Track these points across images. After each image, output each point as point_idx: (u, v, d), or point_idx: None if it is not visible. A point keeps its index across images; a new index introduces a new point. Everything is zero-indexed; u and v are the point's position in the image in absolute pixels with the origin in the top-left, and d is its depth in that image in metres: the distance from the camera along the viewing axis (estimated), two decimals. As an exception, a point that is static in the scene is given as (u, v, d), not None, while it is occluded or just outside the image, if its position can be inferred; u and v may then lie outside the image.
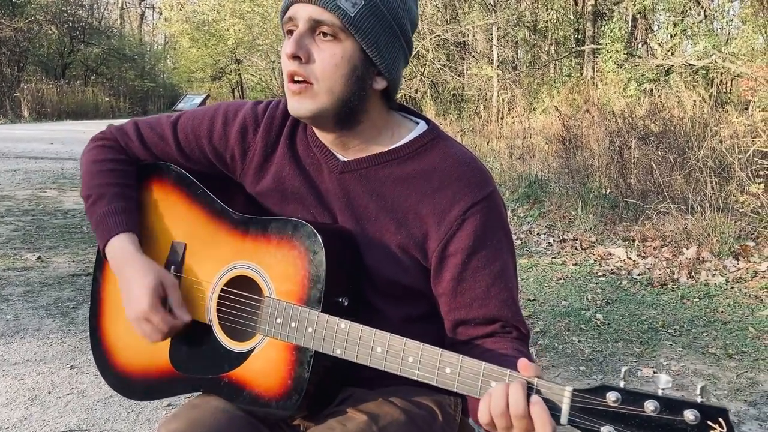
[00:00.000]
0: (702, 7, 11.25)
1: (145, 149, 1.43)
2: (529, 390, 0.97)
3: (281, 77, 1.26)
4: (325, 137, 1.29)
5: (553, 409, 0.95)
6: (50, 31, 25.98)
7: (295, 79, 1.18)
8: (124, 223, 1.33)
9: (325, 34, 1.16)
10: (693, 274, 4.60)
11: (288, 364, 1.18)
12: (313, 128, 1.31)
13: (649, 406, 0.89)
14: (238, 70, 26.86)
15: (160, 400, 2.69)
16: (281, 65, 1.23)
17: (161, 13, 30.33)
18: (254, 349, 1.23)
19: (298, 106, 1.19)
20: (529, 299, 4.21)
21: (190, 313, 1.29)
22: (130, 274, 1.29)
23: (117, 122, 1.51)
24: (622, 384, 0.93)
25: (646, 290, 4.42)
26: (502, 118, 12.58)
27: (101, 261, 1.46)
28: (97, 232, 1.35)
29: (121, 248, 1.32)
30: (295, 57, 1.16)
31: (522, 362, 0.99)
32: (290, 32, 1.19)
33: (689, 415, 0.87)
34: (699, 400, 0.88)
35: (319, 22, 1.15)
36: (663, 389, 0.90)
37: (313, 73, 1.16)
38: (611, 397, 0.91)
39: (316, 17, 1.15)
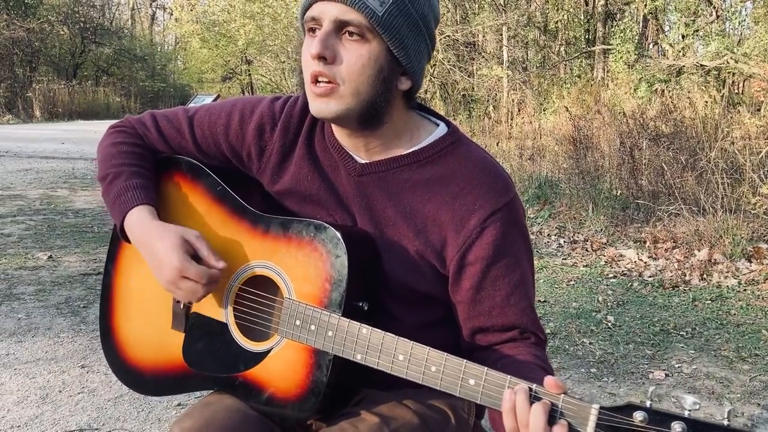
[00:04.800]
0: (714, 8, 11.18)
1: (163, 141, 1.41)
2: (555, 412, 0.96)
3: (299, 76, 1.23)
4: (345, 138, 1.27)
5: (579, 426, 0.95)
6: (62, 32, 26.18)
7: (320, 80, 1.14)
8: (142, 197, 1.30)
9: (351, 34, 1.12)
10: (705, 276, 4.56)
11: (306, 366, 1.17)
12: (333, 128, 1.28)
13: (677, 427, 0.88)
14: (249, 70, 26.94)
15: (171, 400, 2.69)
16: (302, 65, 1.19)
17: (172, 14, 30.46)
18: (271, 349, 1.21)
19: (323, 107, 1.16)
20: (539, 301, 4.19)
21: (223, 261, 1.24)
22: (152, 241, 1.24)
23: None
24: (648, 404, 0.91)
25: (658, 292, 4.39)
26: (511, 119, 12.54)
27: (114, 253, 1.44)
28: (114, 209, 1.32)
29: (139, 220, 1.28)
30: (320, 58, 1.12)
31: (549, 380, 0.98)
32: (311, 31, 1.16)
33: None
34: (726, 423, 0.87)
35: (345, 22, 1.11)
36: (689, 411, 0.89)
37: (340, 74, 1.13)
38: (638, 416, 0.90)
39: (342, 17, 1.11)
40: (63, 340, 3.32)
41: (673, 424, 0.88)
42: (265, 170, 1.36)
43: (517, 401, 0.98)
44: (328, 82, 1.14)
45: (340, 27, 1.12)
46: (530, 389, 0.98)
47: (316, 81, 1.15)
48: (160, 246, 1.22)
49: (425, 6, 1.17)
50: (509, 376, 1.01)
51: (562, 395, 0.97)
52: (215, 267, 1.22)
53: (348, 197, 1.28)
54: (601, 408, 0.93)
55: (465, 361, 1.04)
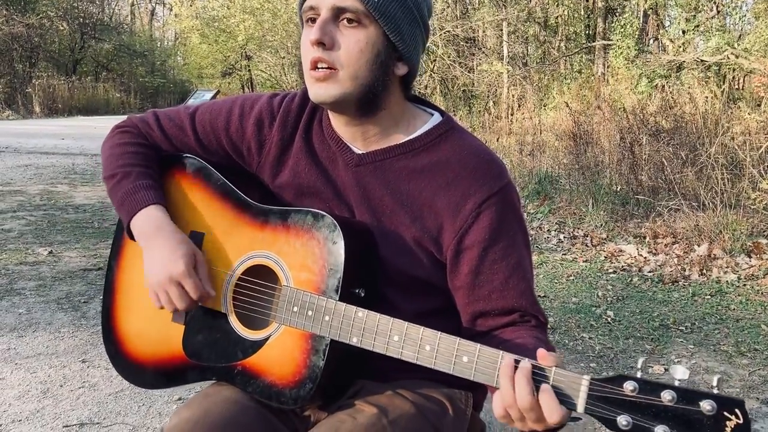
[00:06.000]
0: (714, 3, 11.16)
1: (166, 139, 1.44)
2: (541, 378, 0.98)
3: (299, 69, 1.26)
4: (343, 127, 1.29)
5: (571, 398, 0.96)
6: (61, 27, 26.11)
7: (319, 65, 1.18)
8: (153, 197, 1.33)
9: (349, 21, 1.16)
10: (704, 271, 4.57)
11: (303, 352, 1.19)
12: (330, 119, 1.31)
13: (666, 396, 0.89)
14: (248, 66, 26.89)
15: (171, 394, 2.70)
16: (301, 54, 1.22)
17: (171, 9, 30.42)
18: (269, 337, 1.24)
19: (322, 92, 1.19)
20: (539, 296, 4.18)
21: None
22: (165, 239, 1.27)
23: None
24: (639, 374, 0.93)
25: (657, 287, 4.39)
26: (512, 115, 12.54)
27: (117, 249, 1.47)
28: (123, 207, 1.34)
29: (154, 218, 1.31)
30: (319, 43, 1.16)
31: (540, 352, 1.00)
32: (311, 20, 1.19)
33: (706, 405, 0.87)
34: (715, 391, 0.88)
35: (342, 9, 1.15)
36: (680, 380, 0.90)
37: (338, 59, 1.17)
38: (628, 386, 0.92)
39: (339, 4, 1.15)
40: (64, 335, 3.33)
41: (662, 392, 0.90)
42: (264, 164, 1.38)
43: (499, 376, 1.00)
44: (328, 67, 1.17)
45: (338, 14, 1.16)
46: (515, 361, 1.00)
47: (315, 67, 1.18)
48: (171, 247, 1.26)
49: None
50: (502, 352, 1.02)
51: (554, 368, 0.98)
52: (208, 291, 1.27)
53: (346, 188, 1.30)
54: (592, 379, 0.95)
55: (458, 339, 1.06)
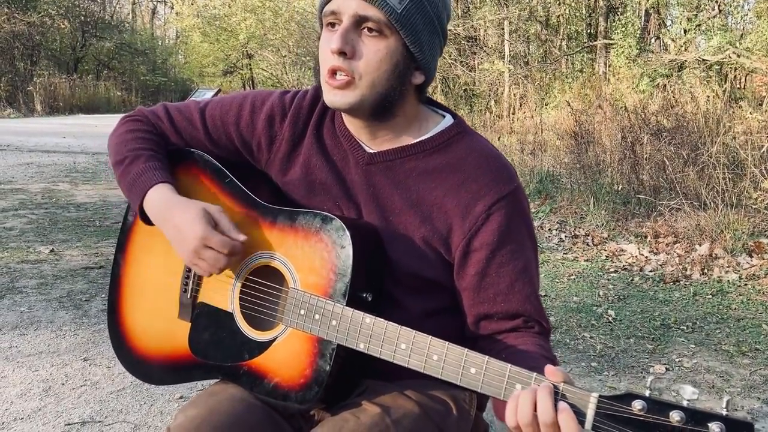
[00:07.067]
0: (716, 2, 11.16)
1: (175, 131, 1.44)
2: (555, 395, 0.97)
3: (314, 71, 1.26)
4: (355, 127, 1.30)
5: (578, 414, 0.96)
6: (63, 26, 26.09)
7: (338, 74, 1.18)
8: (160, 176, 1.31)
9: (370, 30, 1.16)
10: (706, 270, 4.57)
11: (309, 356, 1.19)
12: (343, 117, 1.31)
13: (675, 416, 0.89)
14: (249, 64, 26.90)
15: (173, 393, 2.71)
16: (319, 57, 1.22)
17: (173, 8, 30.44)
18: (276, 339, 1.24)
19: (338, 99, 1.19)
20: (540, 295, 4.18)
21: (243, 236, 1.24)
22: (175, 215, 1.25)
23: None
24: (647, 393, 0.93)
25: (659, 286, 4.39)
26: (513, 114, 12.54)
27: (123, 243, 1.46)
28: (133, 191, 1.32)
29: (160, 197, 1.29)
30: (340, 53, 1.16)
31: (549, 368, 1.00)
32: (330, 25, 1.19)
33: (714, 427, 0.87)
34: (724, 413, 0.88)
35: (364, 18, 1.15)
36: (688, 400, 0.90)
37: (357, 68, 1.17)
38: (636, 405, 0.91)
39: (362, 13, 1.15)
40: (65, 333, 3.33)
41: (671, 413, 0.89)
42: (274, 160, 1.38)
43: (519, 402, 0.99)
44: (346, 75, 1.17)
45: (359, 22, 1.16)
46: (533, 378, 1.00)
47: (333, 74, 1.18)
48: (184, 218, 1.23)
49: (439, 2, 1.21)
50: (509, 365, 1.02)
51: (562, 384, 0.98)
52: (236, 239, 1.23)
53: (355, 186, 1.30)
54: (600, 396, 0.94)
55: (466, 350, 1.06)
